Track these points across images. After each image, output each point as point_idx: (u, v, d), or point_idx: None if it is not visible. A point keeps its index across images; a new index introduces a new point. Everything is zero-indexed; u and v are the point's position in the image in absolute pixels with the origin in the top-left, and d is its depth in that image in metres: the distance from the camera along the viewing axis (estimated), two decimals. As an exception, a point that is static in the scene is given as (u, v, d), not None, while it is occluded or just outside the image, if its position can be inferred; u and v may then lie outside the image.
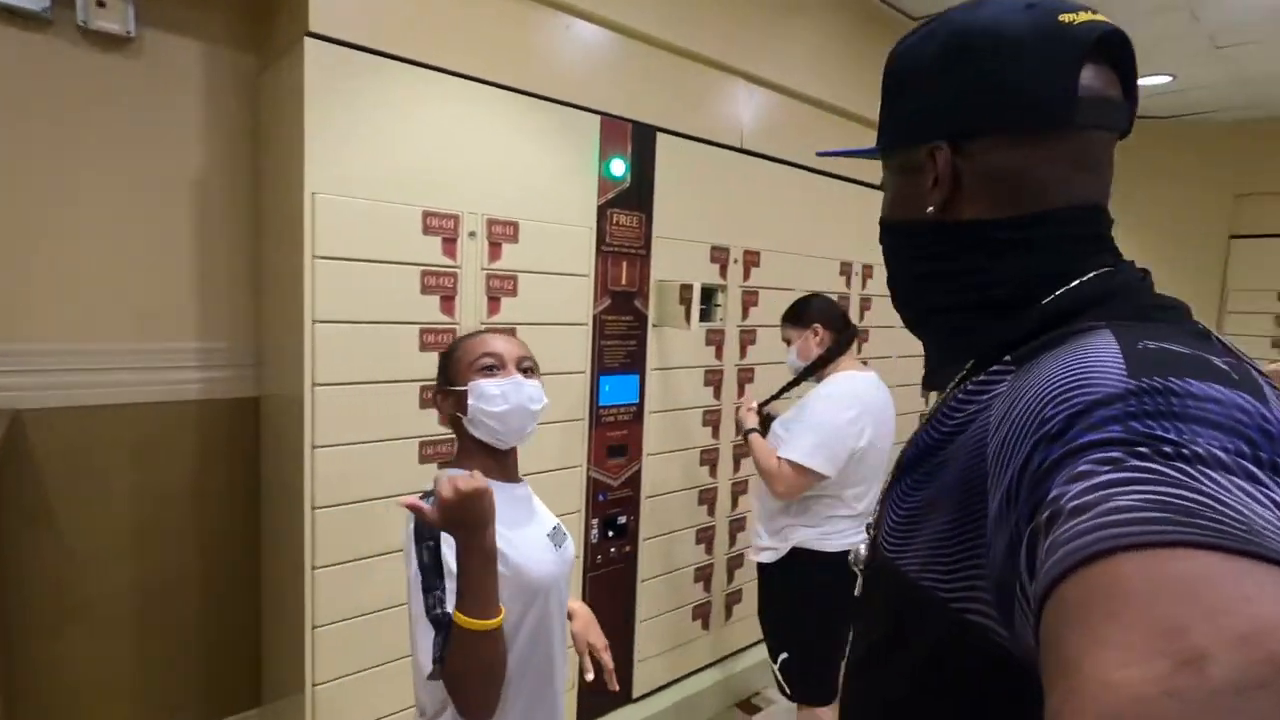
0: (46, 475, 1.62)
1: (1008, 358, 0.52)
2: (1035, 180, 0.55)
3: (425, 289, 1.70)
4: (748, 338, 2.51)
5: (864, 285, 3.01)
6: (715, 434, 2.46)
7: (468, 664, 0.89)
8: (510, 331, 1.21)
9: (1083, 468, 0.33)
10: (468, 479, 0.88)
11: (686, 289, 2.09)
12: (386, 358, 1.65)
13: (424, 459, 1.74)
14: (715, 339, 2.41)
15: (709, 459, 2.46)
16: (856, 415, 1.83)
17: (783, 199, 2.59)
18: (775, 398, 2.09)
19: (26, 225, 1.56)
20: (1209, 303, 4.21)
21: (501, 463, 1.15)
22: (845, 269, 2.90)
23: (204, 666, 1.89)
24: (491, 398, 1.08)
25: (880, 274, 2.98)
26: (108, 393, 1.68)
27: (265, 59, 1.76)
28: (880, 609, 0.59)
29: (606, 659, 1.24)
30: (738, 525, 2.61)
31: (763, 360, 2.56)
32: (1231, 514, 0.27)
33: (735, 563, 2.61)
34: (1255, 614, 0.23)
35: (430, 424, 1.74)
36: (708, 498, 2.49)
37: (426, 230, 1.69)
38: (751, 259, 2.49)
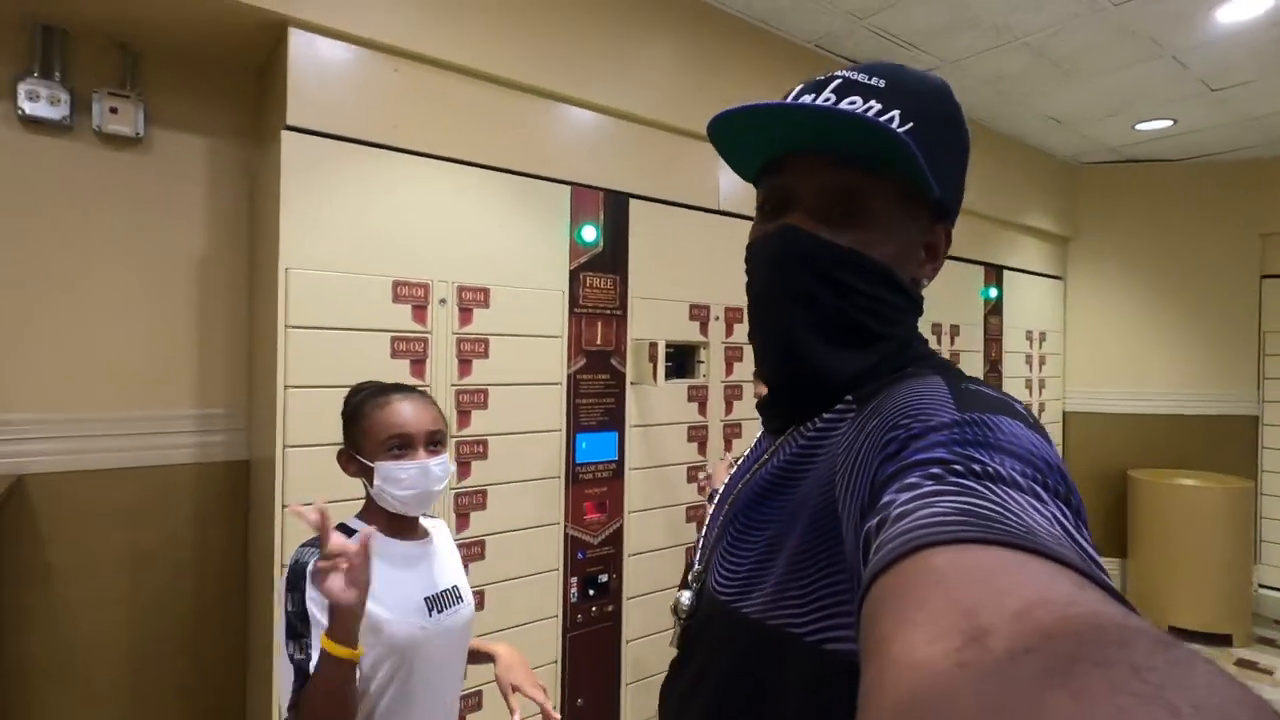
0: (47, 537, 1.74)
1: (849, 398, 0.57)
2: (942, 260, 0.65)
3: (395, 354, 1.80)
4: (733, 393, 2.53)
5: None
6: (701, 491, 2.46)
7: (325, 690, 0.95)
8: (421, 392, 1.22)
9: (911, 479, 0.39)
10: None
11: (653, 347, 2.14)
12: (357, 419, 1.74)
13: (394, 517, 1.79)
14: (699, 395, 2.44)
15: (695, 516, 2.45)
16: None
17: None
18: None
19: (41, 304, 1.73)
20: (1247, 345, 4.01)
21: (403, 522, 1.19)
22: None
23: (192, 727, 1.94)
24: (398, 481, 1.12)
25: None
26: (108, 457, 1.81)
27: (259, 148, 1.94)
28: (717, 659, 0.58)
29: (539, 696, 1.20)
30: (731, 584, 2.56)
31: (749, 416, 2.57)
32: (1018, 521, 0.33)
33: (730, 624, 2.55)
34: (1027, 594, 0.27)
35: (400, 483, 1.80)
36: (697, 556, 2.46)
37: (397, 299, 1.80)
38: (734, 315, 2.53)
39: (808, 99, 0.58)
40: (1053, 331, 4.22)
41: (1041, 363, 4.11)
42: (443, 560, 1.24)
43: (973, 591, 0.28)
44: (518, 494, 2.01)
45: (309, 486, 1.68)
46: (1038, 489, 0.38)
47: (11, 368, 1.70)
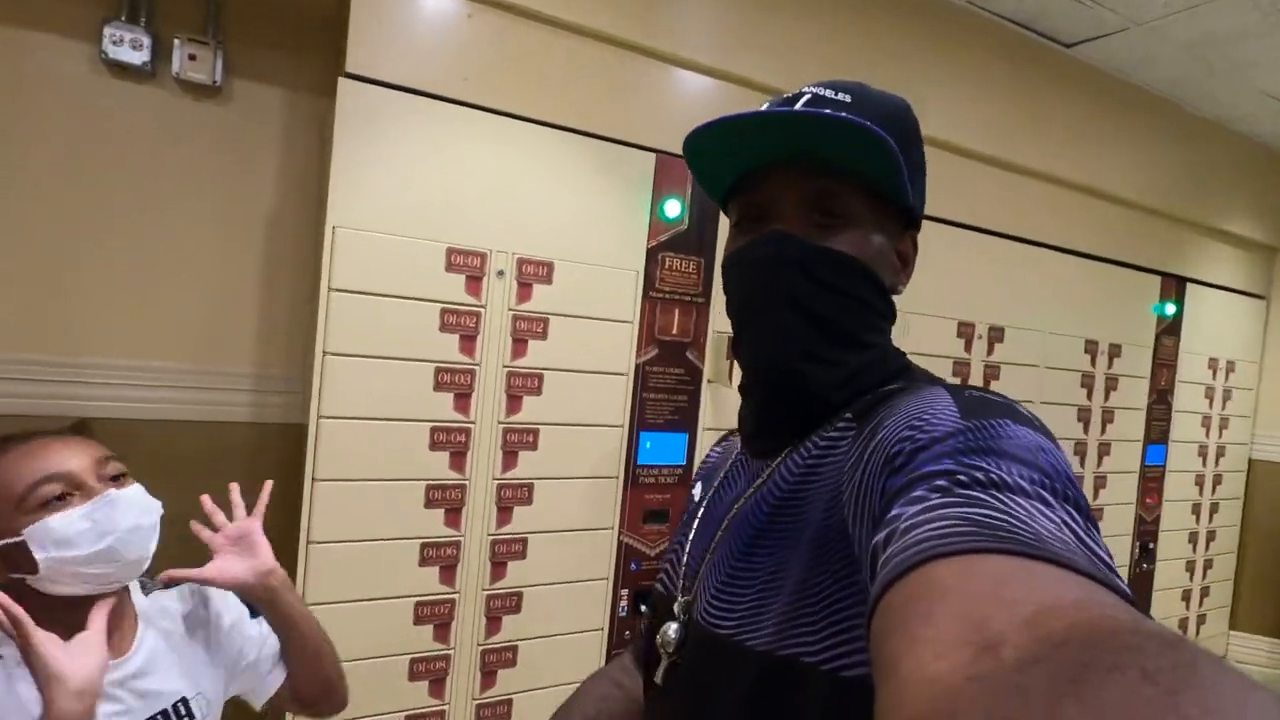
0: (105, 480, 1.75)
1: (849, 415, 0.56)
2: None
3: (444, 327, 1.65)
4: (828, 402, 2.21)
5: (990, 350, 2.56)
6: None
7: None
8: (58, 433, 0.84)
9: (918, 493, 0.39)
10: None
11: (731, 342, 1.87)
12: (397, 395, 1.61)
13: (429, 503, 1.66)
14: (787, 401, 2.14)
15: (772, 536, 2.17)
16: None
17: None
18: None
19: (113, 249, 1.74)
20: None
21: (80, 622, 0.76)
22: (965, 330, 2.49)
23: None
24: (73, 540, 0.73)
25: (1016, 337, 2.67)
26: (169, 408, 1.80)
27: (330, 101, 1.85)
28: (721, 696, 0.55)
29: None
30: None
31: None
32: (1026, 529, 0.33)
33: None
34: (1036, 601, 0.27)
35: (438, 467, 1.67)
36: (770, 581, 2.18)
37: (450, 267, 1.65)
38: (838, 313, 2.20)
39: (783, 110, 0.58)
40: (1245, 361, 3.48)
41: (1226, 398, 3.40)
42: (158, 673, 0.84)
43: (981, 602, 0.28)
44: (568, 492, 1.83)
45: (343, 461, 1.57)
46: (1044, 494, 0.37)
47: (83, 311, 1.72)
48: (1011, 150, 2.47)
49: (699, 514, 0.68)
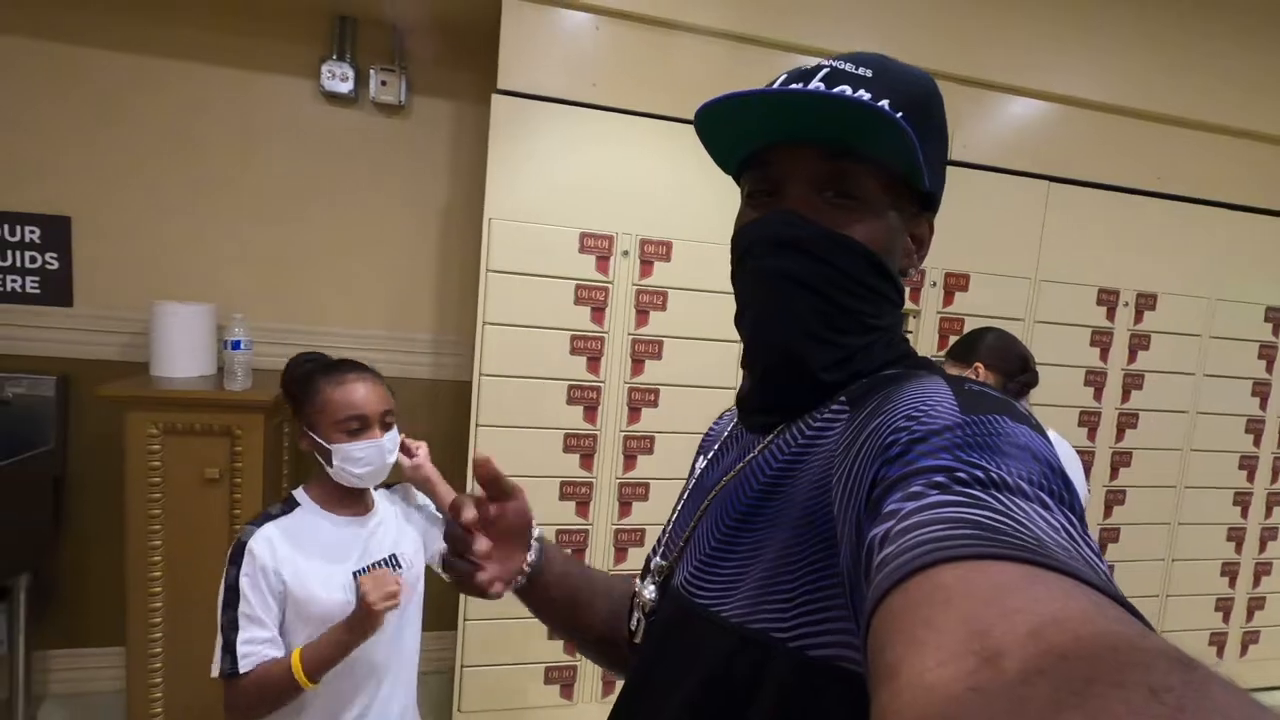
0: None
1: (843, 398, 0.56)
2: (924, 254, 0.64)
3: (578, 301, 1.94)
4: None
5: (1138, 318, 2.42)
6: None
7: (262, 697, 1.07)
8: (372, 371, 1.23)
9: (916, 488, 0.38)
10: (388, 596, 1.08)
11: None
12: (541, 357, 1.93)
13: (567, 449, 1.98)
14: (900, 368, 2.21)
15: (882, 497, 2.27)
16: None
17: (998, 211, 2.25)
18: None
19: (327, 241, 2.21)
20: None
21: (351, 494, 1.22)
22: (1108, 297, 2.38)
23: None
24: (355, 460, 1.15)
25: (1171, 304, 2.47)
26: (371, 367, 2.27)
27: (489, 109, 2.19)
28: (693, 663, 0.56)
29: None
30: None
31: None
32: (1027, 533, 0.33)
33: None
34: (1040, 612, 0.26)
35: (574, 418, 1.97)
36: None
37: (583, 249, 1.93)
38: (956, 283, 2.22)
39: (795, 89, 0.57)
40: None
41: None
42: (385, 531, 1.26)
43: (984, 611, 0.27)
44: (685, 445, 2.07)
45: (499, 411, 1.92)
46: (1044, 496, 0.37)
47: (307, 288, 2.22)
48: (1165, 101, 2.29)
49: (692, 483, 0.70)
